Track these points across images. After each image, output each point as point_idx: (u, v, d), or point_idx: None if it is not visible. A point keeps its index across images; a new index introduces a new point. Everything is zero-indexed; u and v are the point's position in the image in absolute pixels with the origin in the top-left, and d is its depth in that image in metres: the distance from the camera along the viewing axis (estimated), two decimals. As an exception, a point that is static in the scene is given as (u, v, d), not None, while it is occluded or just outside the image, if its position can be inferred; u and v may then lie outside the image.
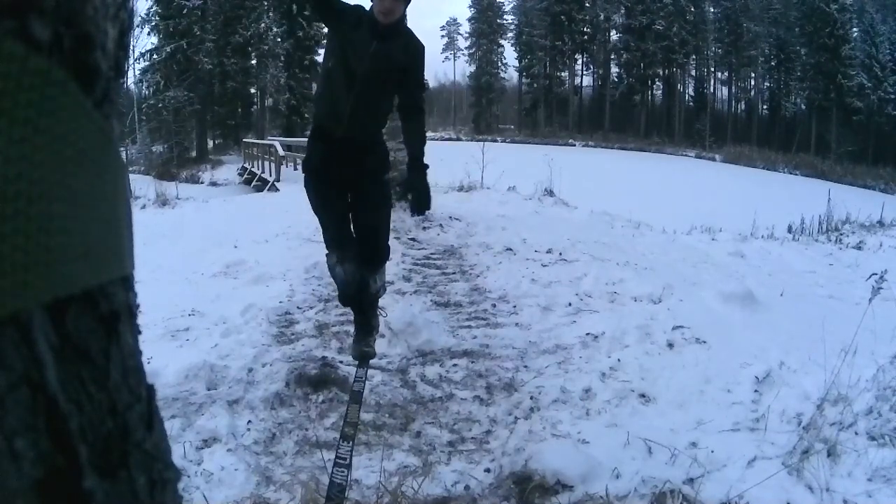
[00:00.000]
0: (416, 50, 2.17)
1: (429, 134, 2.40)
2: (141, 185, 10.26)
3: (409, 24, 2.33)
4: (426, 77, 2.39)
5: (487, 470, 1.95)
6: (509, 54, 41.74)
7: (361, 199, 2.26)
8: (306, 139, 2.46)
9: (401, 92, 2.22)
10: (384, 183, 2.32)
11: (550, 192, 7.54)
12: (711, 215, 7.69)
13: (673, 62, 36.22)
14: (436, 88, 52.07)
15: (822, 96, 31.52)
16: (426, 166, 2.20)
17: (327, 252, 2.30)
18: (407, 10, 2.16)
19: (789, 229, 7.19)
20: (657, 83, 38.39)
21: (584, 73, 40.60)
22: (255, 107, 28.30)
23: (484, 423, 2.26)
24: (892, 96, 30.73)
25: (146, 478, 0.32)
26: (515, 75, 42.05)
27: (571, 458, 1.89)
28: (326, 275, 2.70)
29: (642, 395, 2.38)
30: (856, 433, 1.86)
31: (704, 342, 2.77)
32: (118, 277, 0.31)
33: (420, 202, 2.21)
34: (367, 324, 2.40)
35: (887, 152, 28.22)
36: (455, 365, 2.70)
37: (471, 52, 42.89)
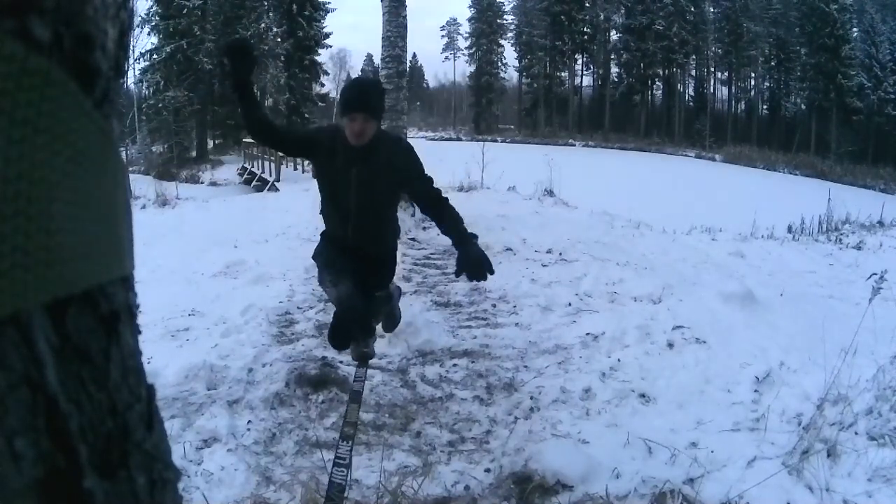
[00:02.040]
0: (403, 155, 2.01)
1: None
2: (141, 185, 10.25)
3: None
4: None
5: (487, 470, 1.95)
6: (509, 54, 41.68)
7: (367, 283, 2.21)
8: None
9: (411, 193, 2.11)
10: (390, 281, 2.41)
11: (550, 192, 7.53)
12: (711, 215, 7.68)
13: (673, 62, 36.16)
14: (436, 88, 52.08)
15: (822, 96, 31.47)
16: (474, 236, 1.95)
17: (323, 286, 2.16)
18: (380, 124, 1.97)
19: (789, 229, 7.18)
20: (657, 83, 38.29)
21: (584, 73, 40.54)
22: (255, 107, 28.23)
23: (484, 423, 2.26)
24: (892, 96, 30.70)
25: (146, 478, 0.32)
26: (515, 75, 42.03)
27: (571, 458, 1.89)
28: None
29: (642, 395, 2.38)
30: (856, 433, 1.86)
31: (704, 342, 2.77)
32: (118, 277, 0.31)
33: (480, 268, 1.88)
34: (368, 326, 2.39)
35: (887, 152, 28.20)
36: (455, 365, 2.71)
37: (471, 52, 42.75)
